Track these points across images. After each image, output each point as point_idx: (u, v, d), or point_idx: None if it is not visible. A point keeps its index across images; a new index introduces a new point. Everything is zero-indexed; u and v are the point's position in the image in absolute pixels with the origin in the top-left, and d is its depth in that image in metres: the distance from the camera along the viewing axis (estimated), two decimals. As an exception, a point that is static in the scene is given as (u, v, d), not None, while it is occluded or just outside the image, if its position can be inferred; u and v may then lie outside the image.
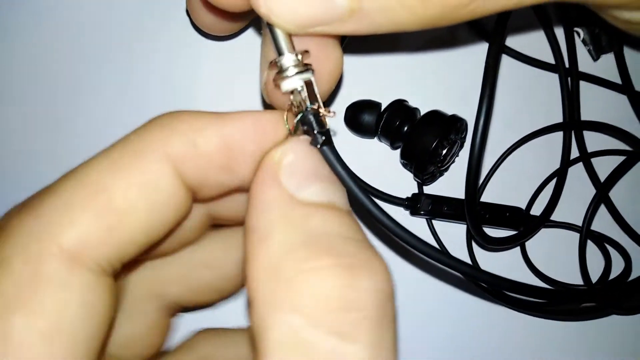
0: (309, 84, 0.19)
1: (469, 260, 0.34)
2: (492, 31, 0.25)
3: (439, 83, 0.35)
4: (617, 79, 0.35)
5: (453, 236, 0.34)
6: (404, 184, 0.34)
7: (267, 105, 0.22)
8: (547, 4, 0.33)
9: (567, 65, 0.34)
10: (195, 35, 0.33)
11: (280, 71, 0.18)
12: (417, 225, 0.34)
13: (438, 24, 0.19)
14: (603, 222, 0.34)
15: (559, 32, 0.34)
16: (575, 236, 0.34)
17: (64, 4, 0.33)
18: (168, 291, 0.23)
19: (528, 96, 0.35)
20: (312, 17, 0.18)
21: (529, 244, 0.34)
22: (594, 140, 0.35)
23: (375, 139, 0.34)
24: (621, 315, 0.34)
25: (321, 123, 0.18)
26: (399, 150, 0.32)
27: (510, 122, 0.35)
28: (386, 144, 0.33)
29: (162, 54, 0.34)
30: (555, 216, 0.34)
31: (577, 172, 0.35)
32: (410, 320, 0.33)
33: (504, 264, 0.34)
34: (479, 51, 0.34)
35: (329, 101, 0.33)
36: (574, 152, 0.35)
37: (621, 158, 0.34)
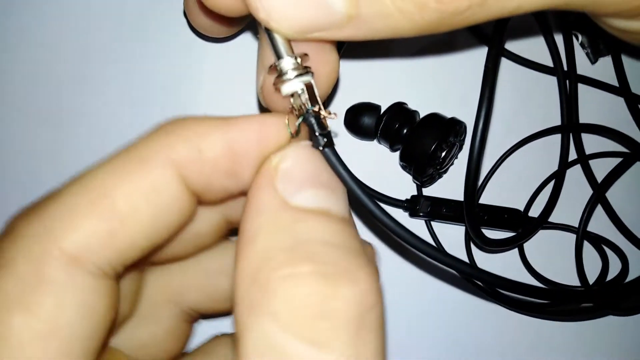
0: (309, 87, 0.18)
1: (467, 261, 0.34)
2: (491, 35, 0.26)
3: (438, 86, 0.35)
4: (614, 82, 0.35)
5: (452, 238, 0.34)
6: (403, 186, 0.34)
7: (264, 109, 0.22)
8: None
9: (565, 68, 0.34)
10: (192, 37, 0.33)
11: (280, 74, 0.18)
12: (416, 227, 0.34)
13: (435, 31, 0.19)
14: (600, 224, 0.34)
15: (558, 36, 0.35)
16: (573, 237, 0.34)
17: (65, 6, 0.34)
18: (186, 297, 0.23)
19: (527, 99, 0.35)
20: (311, 23, 0.18)
21: (526, 246, 0.34)
22: (592, 142, 0.35)
23: (375, 141, 0.34)
24: (618, 316, 0.35)
25: (322, 125, 0.18)
26: (398, 153, 0.33)
27: (509, 124, 0.35)
28: (385, 146, 0.34)
29: (160, 55, 0.34)
30: (553, 218, 0.34)
31: (575, 174, 0.35)
32: (407, 318, 0.33)
33: (501, 265, 0.34)
34: (478, 54, 0.35)
35: (326, 105, 0.33)
36: (572, 154, 0.35)
37: (618, 160, 0.34)
